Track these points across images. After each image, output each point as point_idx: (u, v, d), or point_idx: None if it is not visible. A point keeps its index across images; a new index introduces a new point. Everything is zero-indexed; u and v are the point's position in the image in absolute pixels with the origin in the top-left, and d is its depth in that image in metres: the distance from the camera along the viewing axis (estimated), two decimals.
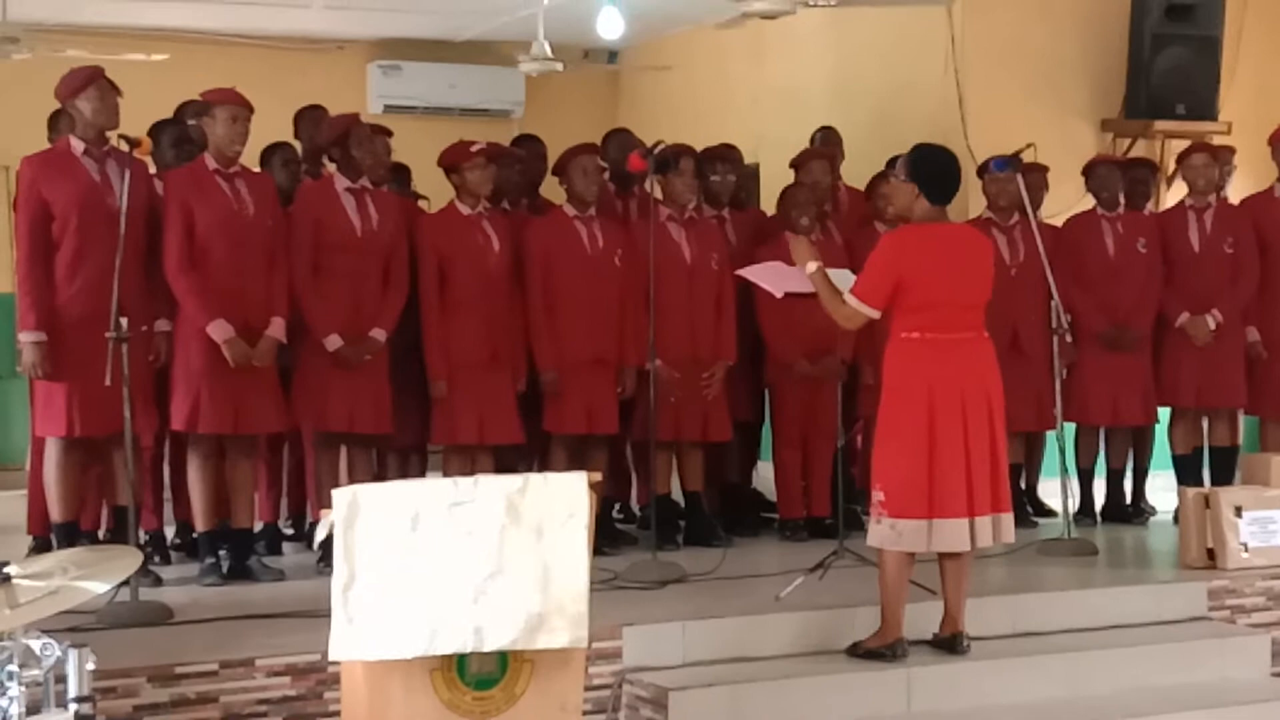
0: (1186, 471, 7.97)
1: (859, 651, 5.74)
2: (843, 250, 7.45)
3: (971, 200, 8.31)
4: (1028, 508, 8.09)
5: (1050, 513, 8.01)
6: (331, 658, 4.49)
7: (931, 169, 5.75)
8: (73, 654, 3.84)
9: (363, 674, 4.45)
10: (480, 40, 11.60)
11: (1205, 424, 8.09)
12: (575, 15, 10.17)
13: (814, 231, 7.51)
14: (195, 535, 6.69)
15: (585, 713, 4.84)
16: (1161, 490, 8.22)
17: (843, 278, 5.99)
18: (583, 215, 7.13)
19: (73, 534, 6.23)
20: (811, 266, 5.83)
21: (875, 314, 5.67)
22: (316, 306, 6.55)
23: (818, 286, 5.82)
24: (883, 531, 5.62)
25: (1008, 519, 5.71)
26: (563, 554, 4.48)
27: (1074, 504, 7.52)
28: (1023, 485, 8.15)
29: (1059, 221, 8.10)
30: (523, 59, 10.30)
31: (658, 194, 7.22)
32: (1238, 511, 6.78)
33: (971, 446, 5.57)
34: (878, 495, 5.64)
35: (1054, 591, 6.48)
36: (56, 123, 6.78)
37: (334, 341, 6.54)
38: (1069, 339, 7.43)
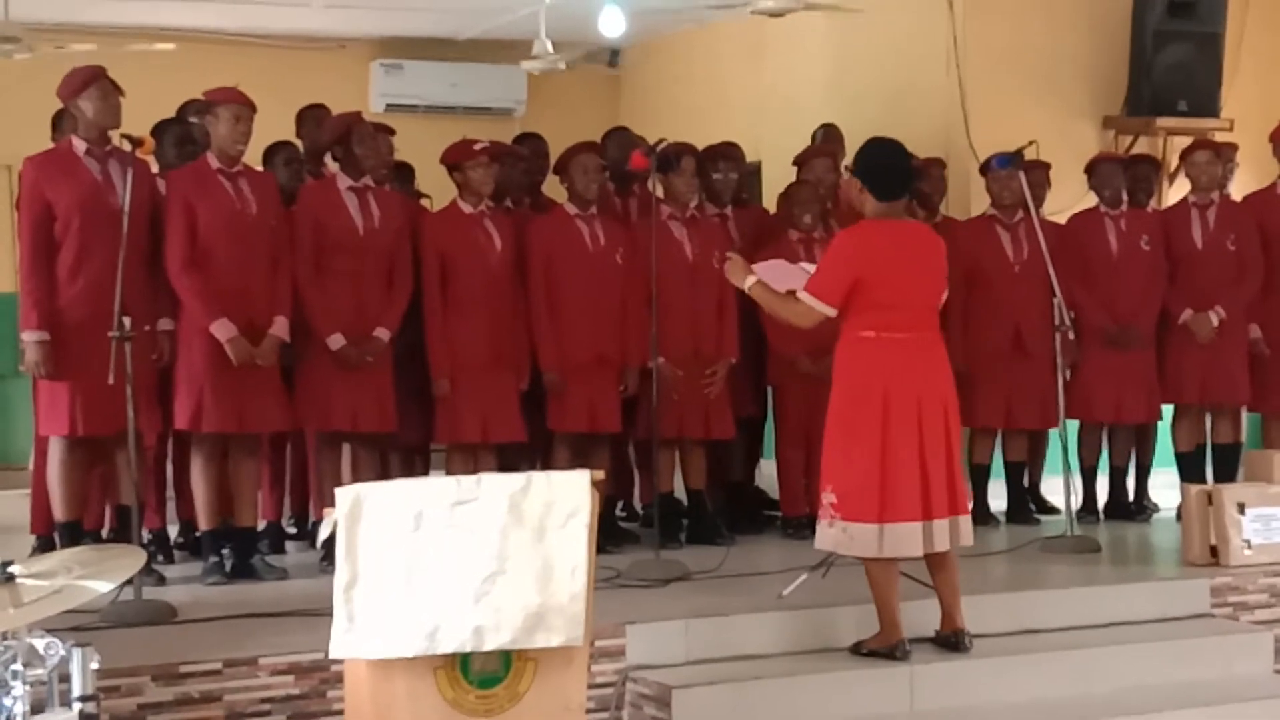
0: (1189, 468, 7.97)
1: (862, 651, 5.73)
2: None
3: (974, 198, 8.32)
4: (1031, 505, 8.09)
5: (1053, 510, 8.01)
6: (331, 656, 4.50)
7: (874, 164, 5.64)
8: (77, 653, 3.84)
9: (366, 673, 4.45)
10: (482, 39, 11.61)
11: (1208, 421, 8.09)
12: (577, 14, 10.18)
13: (817, 229, 7.52)
14: (198, 534, 6.69)
15: (588, 711, 4.85)
16: (1164, 487, 8.22)
17: None
18: (584, 214, 7.13)
19: (76, 533, 6.24)
20: (750, 280, 5.75)
21: (831, 312, 5.57)
22: (319, 305, 6.55)
23: (759, 297, 5.76)
24: (835, 535, 5.56)
25: (965, 521, 5.64)
26: (564, 552, 4.48)
27: (1077, 501, 7.52)
28: (1026, 483, 8.15)
29: (1062, 219, 8.10)
30: (525, 58, 10.31)
31: (660, 192, 7.22)
32: (1241, 508, 6.78)
33: (927, 448, 5.50)
34: (829, 497, 5.58)
35: (1057, 589, 6.48)
36: (60, 123, 6.78)
37: (337, 341, 6.55)
38: (1072, 336, 7.43)
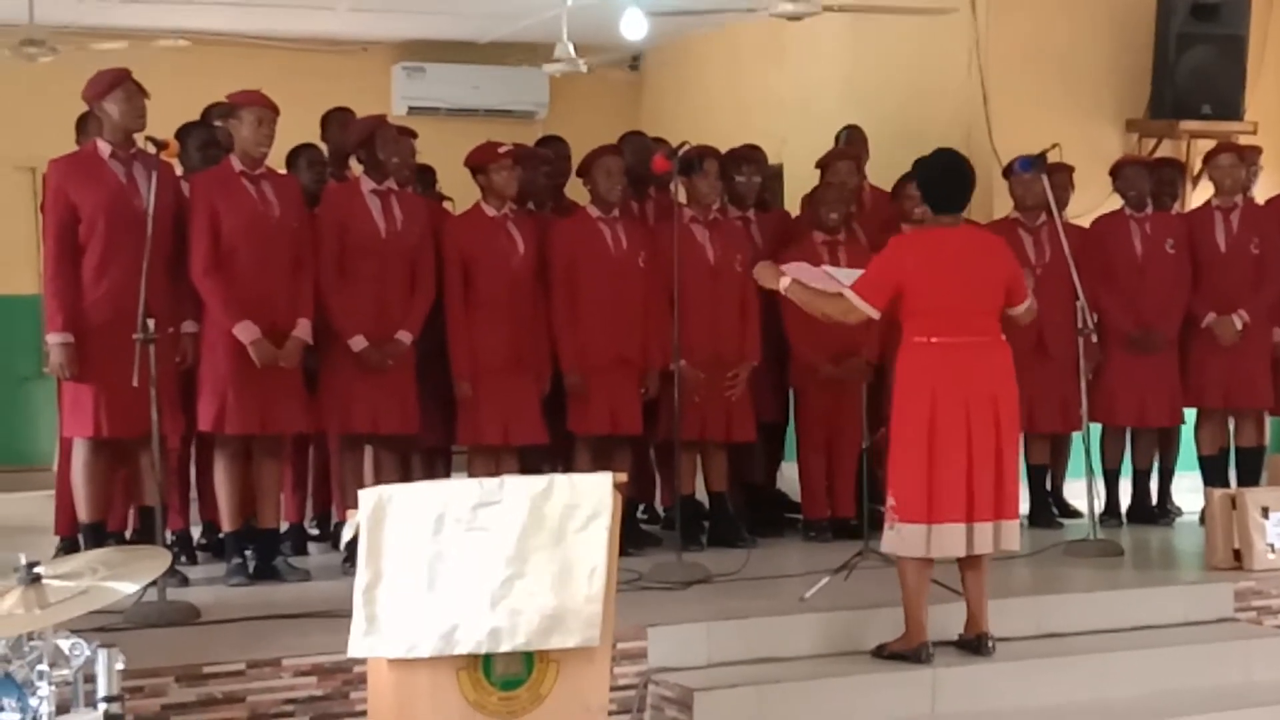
0: (1213, 472, 7.95)
1: (884, 654, 5.73)
2: (868, 251, 7.42)
3: (997, 201, 8.30)
4: (1053, 509, 8.07)
5: (1076, 514, 7.99)
6: (349, 655, 4.51)
7: (929, 176, 5.79)
8: (102, 654, 3.86)
9: (389, 674, 4.46)
10: (504, 42, 11.62)
11: (1231, 425, 8.06)
12: (599, 16, 10.18)
13: (840, 231, 7.51)
14: (221, 535, 6.72)
15: (610, 713, 4.86)
16: (1187, 491, 8.19)
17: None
18: (606, 217, 7.14)
19: (100, 535, 6.26)
20: (785, 283, 5.80)
21: (875, 312, 5.66)
22: (342, 308, 6.57)
23: (797, 297, 5.81)
24: (891, 537, 5.63)
25: (1010, 526, 5.65)
26: (583, 555, 4.49)
27: (1100, 505, 7.51)
28: (1048, 486, 8.13)
29: (1084, 222, 8.08)
30: (547, 60, 10.32)
31: (682, 196, 7.22)
32: (1265, 512, 6.76)
33: (975, 451, 5.54)
34: (890, 501, 5.64)
35: (1080, 593, 6.46)
36: (85, 125, 6.81)
37: (359, 343, 6.56)
38: (1095, 340, 7.41)
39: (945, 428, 5.53)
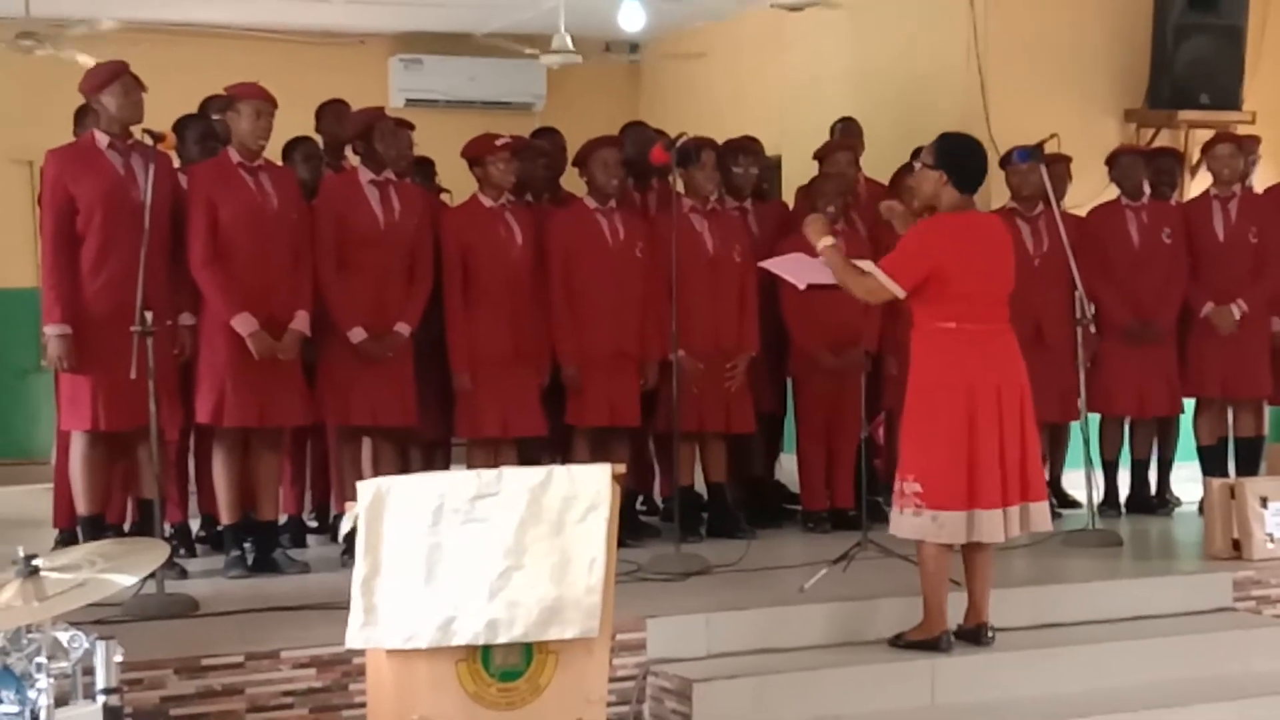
0: (1211, 462, 7.95)
1: (901, 643, 5.73)
2: (866, 242, 7.44)
3: (994, 191, 8.29)
4: (1052, 499, 8.04)
5: (1075, 504, 7.99)
6: (347, 647, 4.51)
7: (959, 157, 5.72)
8: (100, 646, 3.86)
9: (388, 665, 4.47)
10: (501, 33, 11.59)
11: (1230, 415, 8.06)
12: (596, 8, 10.17)
13: (838, 223, 7.50)
14: (220, 528, 6.72)
15: (609, 704, 4.86)
16: (1186, 481, 8.20)
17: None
18: (604, 208, 7.13)
19: (98, 527, 6.26)
20: (827, 241, 5.78)
21: (901, 293, 5.63)
22: (341, 300, 6.56)
23: (831, 262, 5.77)
24: (923, 524, 5.58)
25: (1040, 507, 5.69)
26: (582, 546, 4.49)
27: (1098, 495, 7.51)
28: (1047, 477, 8.12)
29: (1083, 212, 8.07)
30: (544, 52, 10.31)
31: (680, 187, 7.21)
32: (1263, 502, 6.76)
33: (1006, 437, 5.56)
34: (913, 486, 5.58)
35: (1078, 583, 6.46)
36: (83, 118, 6.80)
37: (358, 335, 6.56)
38: (1093, 330, 7.41)
39: (981, 414, 5.52)
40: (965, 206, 5.71)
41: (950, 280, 5.56)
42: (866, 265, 5.75)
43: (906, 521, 5.63)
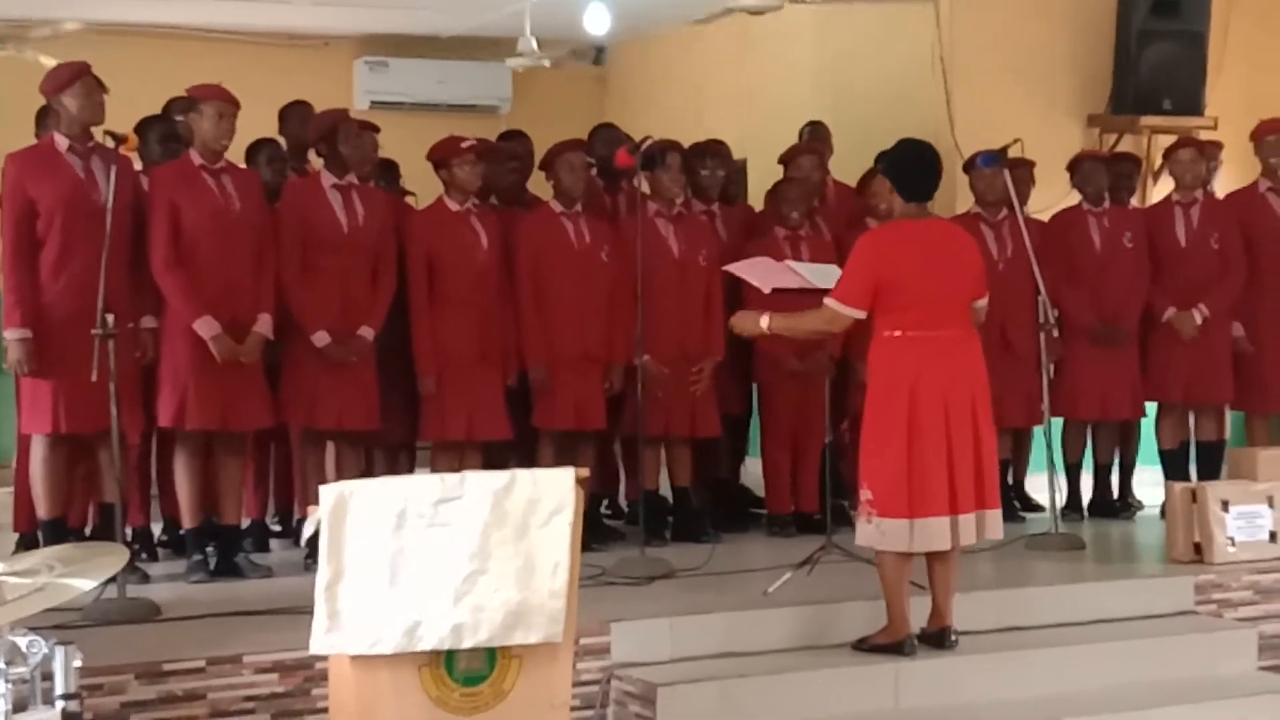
0: (1173, 466, 7.99)
1: (865, 647, 5.74)
2: (831, 246, 7.45)
3: (959, 195, 8.33)
4: (1015, 503, 8.10)
5: (1037, 508, 8.02)
6: (311, 652, 4.49)
7: (902, 164, 5.73)
8: (59, 651, 3.83)
9: (351, 671, 4.45)
10: (467, 36, 11.59)
11: (1192, 419, 8.11)
12: (562, 11, 10.17)
13: (803, 227, 7.52)
14: (182, 532, 6.67)
15: (573, 709, 4.85)
16: (1148, 485, 8.23)
17: (829, 274, 5.98)
18: (569, 211, 7.13)
19: (59, 531, 6.21)
20: (765, 322, 5.80)
21: (860, 314, 5.64)
22: (304, 303, 6.54)
23: (783, 329, 5.83)
24: (870, 531, 5.62)
25: (993, 515, 5.68)
26: (546, 550, 4.48)
27: (1061, 499, 7.54)
28: (1010, 480, 8.16)
29: (1046, 217, 8.11)
30: (510, 55, 10.30)
31: (645, 190, 7.21)
32: (1225, 506, 6.79)
33: (954, 444, 5.55)
34: (865, 494, 5.64)
35: (1041, 586, 6.48)
36: (44, 119, 6.75)
37: (322, 338, 6.53)
38: (1056, 334, 7.44)
39: (925, 422, 5.53)
40: (917, 214, 5.69)
41: (894, 289, 5.55)
42: (810, 275, 5.71)
43: (861, 529, 5.68)
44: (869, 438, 5.65)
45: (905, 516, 5.53)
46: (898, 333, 5.59)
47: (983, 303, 5.82)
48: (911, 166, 5.72)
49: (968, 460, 5.58)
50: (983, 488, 5.64)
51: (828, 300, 5.68)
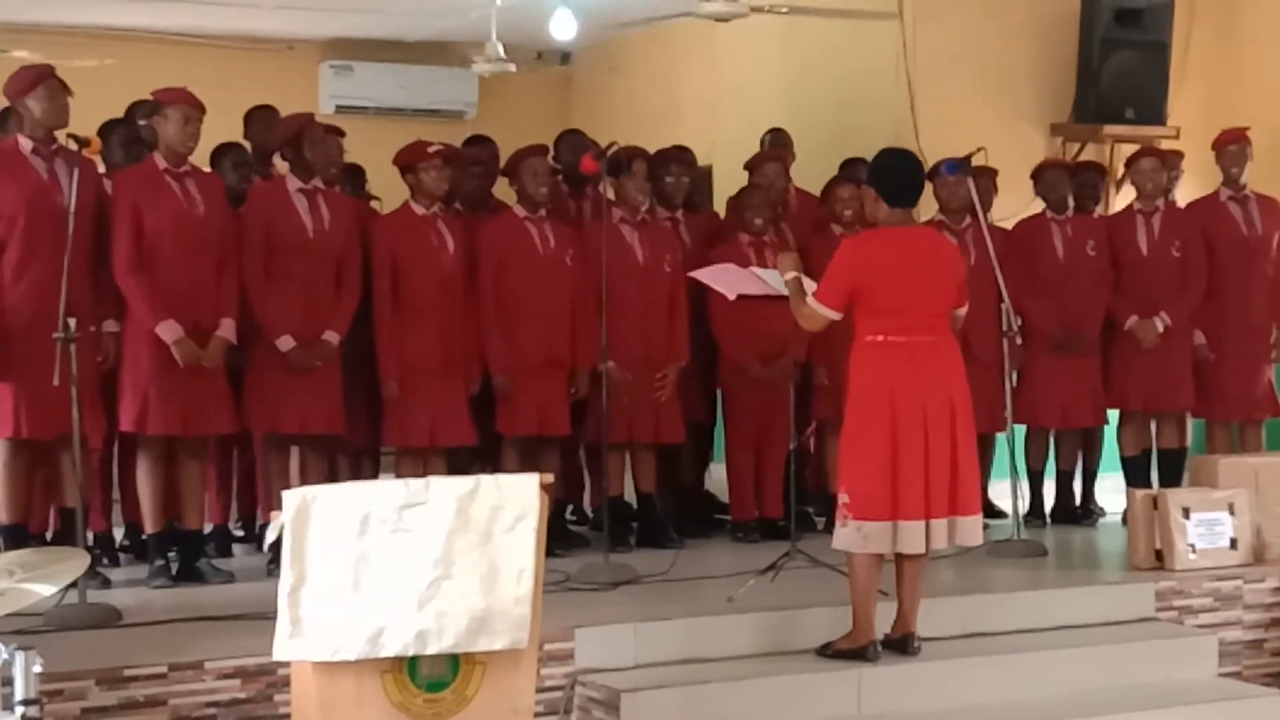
0: (1135, 473, 8.03)
1: (829, 652, 5.75)
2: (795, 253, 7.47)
3: (923, 203, 8.34)
4: None
5: (1000, 514, 8.04)
6: (275, 658, 4.47)
7: (885, 172, 5.81)
8: (19, 656, 3.80)
9: (313, 677, 4.43)
10: (433, 40, 11.58)
11: (1153, 426, 8.15)
12: (528, 16, 10.17)
13: (767, 233, 7.54)
14: (144, 537, 6.64)
15: (537, 714, 4.84)
16: (1110, 492, 8.28)
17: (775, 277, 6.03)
18: (533, 216, 7.12)
19: (20, 536, 6.16)
20: (792, 274, 5.86)
21: (835, 316, 5.71)
22: (269, 308, 6.52)
23: (791, 291, 5.86)
24: (849, 534, 5.63)
25: (970, 521, 5.71)
26: (510, 556, 4.48)
27: (1024, 505, 7.57)
28: None
29: (1009, 225, 8.14)
30: (476, 60, 10.29)
31: (610, 196, 7.22)
32: (1185, 513, 6.84)
33: (931, 450, 5.59)
34: (843, 498, 5.65)
35: (1004, 593, 6.51)
36: (6, 121, 6.71)
37: (286, 343, 6.51)
38: (1019, 342, 7.47)
39: (905, 426, 5.56)
40: (901, 221, 5.76)
41: (874, 295, 5.61)
42: (772, 281, 5.76)
43: (838, 533, 5.69)
44: (849, 441, 5.68)
45: (888, 519, 5.56)
46: (879, 337, 5.64)
47: (963, 311, 5.86)
48: (895, 173, 5.80)
49: (944, 465, 5.62)
50: (958, 494, 5.67)
51: (810, 299, 5.75)
